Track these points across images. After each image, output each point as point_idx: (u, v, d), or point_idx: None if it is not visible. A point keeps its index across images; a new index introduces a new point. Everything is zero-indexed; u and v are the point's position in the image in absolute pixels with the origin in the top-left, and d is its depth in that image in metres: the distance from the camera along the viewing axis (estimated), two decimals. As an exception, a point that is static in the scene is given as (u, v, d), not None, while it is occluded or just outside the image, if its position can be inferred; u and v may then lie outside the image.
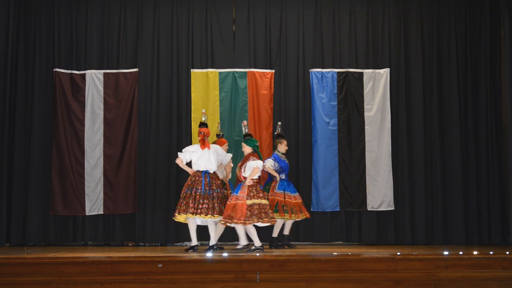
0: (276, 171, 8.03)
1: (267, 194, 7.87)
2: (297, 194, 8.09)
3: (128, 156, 9.05)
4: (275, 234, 8.07)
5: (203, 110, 7.99)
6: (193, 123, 9.10)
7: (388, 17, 9.43)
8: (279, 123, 8.57)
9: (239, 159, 9.01)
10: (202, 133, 7.56)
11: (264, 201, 7.29)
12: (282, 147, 8.18)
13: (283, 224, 8.10)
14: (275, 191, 7.99)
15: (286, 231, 8.17)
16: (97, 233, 9.06)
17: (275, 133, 8.57)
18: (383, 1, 9.45)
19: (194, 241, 7.51)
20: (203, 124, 7.64)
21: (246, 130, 7.92)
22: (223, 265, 5.82)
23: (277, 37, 9.38)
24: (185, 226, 8.74)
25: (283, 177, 8.09)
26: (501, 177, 9.11)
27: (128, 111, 9.14)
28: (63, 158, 9.00)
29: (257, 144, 7.55)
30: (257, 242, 7.24)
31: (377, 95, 9.22)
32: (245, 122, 8.02)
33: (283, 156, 8.18)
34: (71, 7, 9.32)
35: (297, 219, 8.08)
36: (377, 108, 9.20)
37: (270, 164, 8.01)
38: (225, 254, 6.03)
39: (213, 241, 7.41)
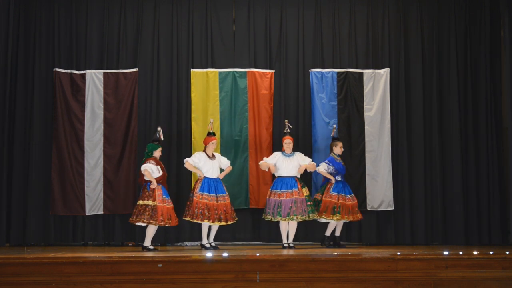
0: (331, 173, 8.26)
1: (321, 195, 8.30)
2: (352, 195, 8.33)
3: (128, 156, 9.05)
4: (327, 233, 8.35)
5: (211, 120, 8.53)
6: (193, 123, 9.10)
7: (388, 17, 9.43)
8: (334, 125, 8.61)
9: (238, 158, 9.04)
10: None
11: (149, 202, 7.70)
12: (337, 149, 8.41)
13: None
14: (329, 193, 8.22)
15: (337, 232, 8.36)
16: (97, 233, 9.06)
17: (331, 135, 8.64)
18: (383, 1, 9.45)
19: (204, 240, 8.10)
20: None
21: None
22: (223, 265, 5.82)
23: (277, 37, 9.39)
24: (184, 226, 8.76)
25: (339, 179, 8.28)
26: (501, 177, 9.12)
27: (128, 111, 9.14)
28: (63, 158, 8.99)
29: (151, 149, 7.94)
30: (147, 242, 7.83)
31: (377, 95, 9.23)
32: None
33: (339, 158, 8.39)
34: (71, 7, 9.32)
35: (350, 220, 8.33)
36: (377, 108, 9.20)
37: (323, 168, 8.32)
38: (225, 254, 6.03)
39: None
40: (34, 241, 8.94)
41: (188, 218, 7.97)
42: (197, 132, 9.03)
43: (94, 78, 9.18)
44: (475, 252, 6.30)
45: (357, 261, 5.90)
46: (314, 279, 5.78)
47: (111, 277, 5.70)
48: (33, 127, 9.07)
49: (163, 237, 8.92)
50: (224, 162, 8.30)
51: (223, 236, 8.96)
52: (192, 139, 9.05)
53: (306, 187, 8.20)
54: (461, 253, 6.34)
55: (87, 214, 8.95)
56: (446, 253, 6.15)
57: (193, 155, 8.19)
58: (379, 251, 7.05)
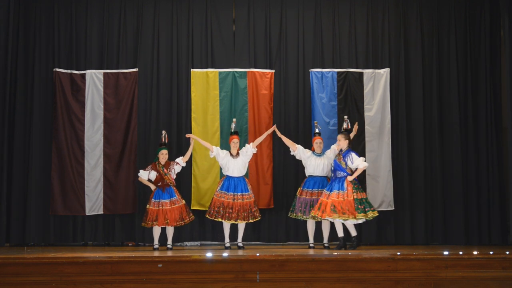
0: None
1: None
2: (323, 191, 8.07)
3: (128, 156, 9.05)
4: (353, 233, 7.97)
5: (234, 120, 8.60)
6: (193, 123, 9.10)
7: (388, 17, 9.43)
8: (346, 116, 8.62)
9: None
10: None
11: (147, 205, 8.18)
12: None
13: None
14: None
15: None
16: (97, 233, 9.05)
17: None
18: (383, 1, 9.45)
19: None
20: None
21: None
22: (223, 265, 5.82)
23: (277, 37, 9.38)
24: (184, 226, 8.75)
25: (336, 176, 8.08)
26: (501, 177, 9.11)
27: (128, 111, 9.14)
28: (63, 158, 8.99)
29: (156, 153, 8.31)
30: (154, 241, 8.17)
31: (377, 95, 9.23)
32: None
33: (337, 154, 8.09)
34: (71, 7, 9.31)
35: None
36: (377, 108, 9.20)
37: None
38: (225, 254, 6.03)
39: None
40: (34, 241, 8.93)
41: (207, 216, 8.18)
42: (197, 132, 9.03)
43: (94, 78, 9.18)
44: (475, 252, 6.30)
45: (357, 261, 5.90)
46: (314, 279, 5.79)
47: (111, 277, 5.70)
48: (33, 127, 9.07)
49: (163, 237, 8.89)
50: (249, 148, 8.39)
51: (222, 236, 8.96)
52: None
53: None
54: (461, 253, 6.35)
55: (87, 214, 8.95)
56: (446, 253, 6.15)
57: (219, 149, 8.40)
58: (379, 251, 7.05)
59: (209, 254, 6.06)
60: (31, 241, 8.91)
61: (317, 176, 8.27)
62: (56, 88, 9.10)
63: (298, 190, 8.35)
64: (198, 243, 9.11)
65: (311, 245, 8.22)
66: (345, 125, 8.45)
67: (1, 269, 5.71)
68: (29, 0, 9.28)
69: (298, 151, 8.41)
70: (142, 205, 8.97)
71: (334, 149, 8.31)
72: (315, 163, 8.27)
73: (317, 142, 8.39)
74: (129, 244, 9.05)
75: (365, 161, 7.96)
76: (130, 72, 9.21)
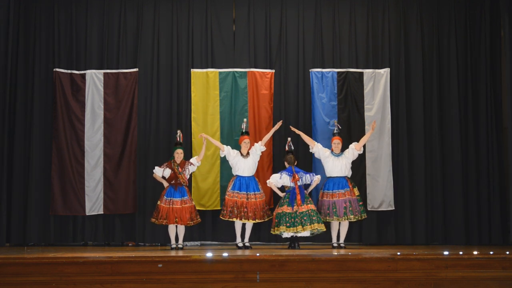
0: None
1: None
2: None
3: (128, 156, 9.05)
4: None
5: (245, 120, 8.55)
6: (193, 123, 9.10)
7: (388, 17, 9.43)
8: (289, 139, 8.56)
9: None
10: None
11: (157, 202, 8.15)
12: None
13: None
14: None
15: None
16: (97, 233, 9.06)
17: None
18: (383, 1, 9.45)
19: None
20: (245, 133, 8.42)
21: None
22: (223, 265, 5.81)
23: (277, 37, 9.39)
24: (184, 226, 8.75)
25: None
26: (501, 177, 9.12)
27: (128, 111, 9.14)
28: (63, 158, 8.99)
29: (173, 153, 8.24)
30: (171, 240, 8.17)
31: (377, 95, 9.23)
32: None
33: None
34: (71, 7, 9.32)
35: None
36: (377, 108, 9.20)
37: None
38: (225, 254, 6.03)
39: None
40: (34, 241, 8.93)
41: (221, 217, 8.12)
42: (197, 132, 9.03)
43: (94, 78, 9.18)
44: (475, 252, 6.29)
45: (357, 261, 5.89)
46: (314, 279, 5.78)
47: (111, 277, 5.70)
48: (33, 127, 9.07)
49: (163, 237, 8.91)
50: (258, 147, 8.39)
51: (222, 237, 8.98)
52: (192, 139, 9.05)
53: (356, 187, 8.26)
54: (461, 253, 6.33)
55: (87, 214, 8.95)
56: (446, 253, 6.14)
57: (230, 149, 8.36)
58: (379, 251, 7.04)
59: (209, 254, 6.05)
60: (31, 241, 8.92)
61: (336, 177, 8.21)
62: (56, 88, 9.10)
63: (320, 193, 8.28)
64: (198, 243, 9.12)
65: (335, 244, 8.20)
66: (287, 147, 8.46)
67: (1, 269, 5.70)
68: (29, 0, 9.28)
69: (316, 148, 8.37)
70: (142, 205, 8.99)
71: (352, 148, 8.31)
72: (333, 164, 8.21)
73: (334, 142, 8.34)
74: (129, 244, 9.06)
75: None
76: (130, 72, 9.22)
